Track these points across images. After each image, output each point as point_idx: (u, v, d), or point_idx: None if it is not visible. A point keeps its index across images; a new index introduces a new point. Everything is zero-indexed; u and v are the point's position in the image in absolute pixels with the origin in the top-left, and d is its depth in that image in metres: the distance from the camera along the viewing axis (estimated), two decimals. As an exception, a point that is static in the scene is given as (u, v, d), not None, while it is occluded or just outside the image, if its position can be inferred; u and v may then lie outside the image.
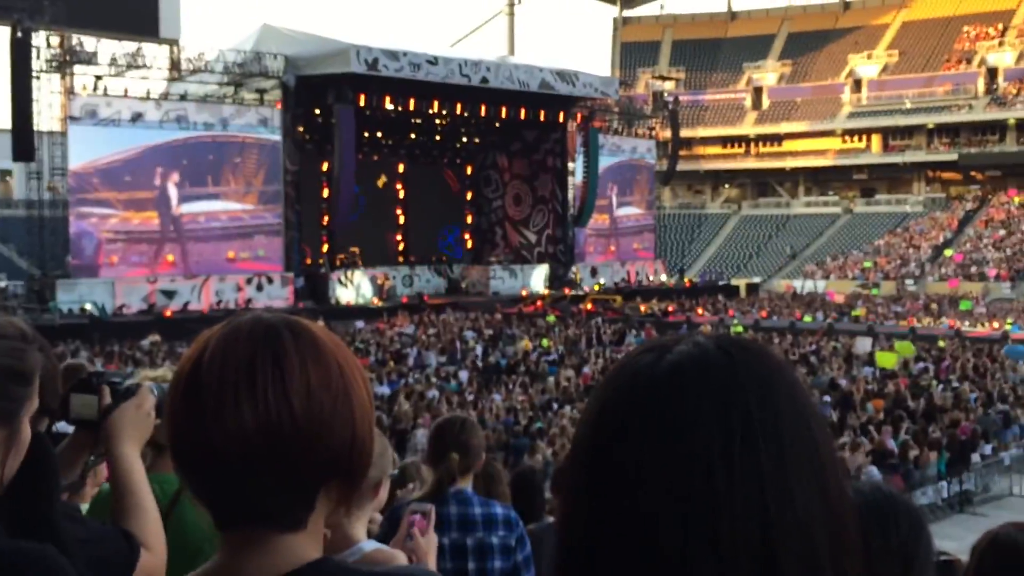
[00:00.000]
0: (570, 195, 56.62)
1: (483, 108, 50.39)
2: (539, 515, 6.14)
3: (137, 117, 41.27)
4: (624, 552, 1.01)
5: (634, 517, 1.00)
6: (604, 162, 57.84)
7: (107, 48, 40.51)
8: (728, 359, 1.06)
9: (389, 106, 47.31)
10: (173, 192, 42.55)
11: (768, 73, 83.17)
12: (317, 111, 46.03)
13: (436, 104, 48.39)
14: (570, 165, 56.23)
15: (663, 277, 62.29)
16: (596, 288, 54.74)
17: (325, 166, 47.27)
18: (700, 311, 48.66)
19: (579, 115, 55.97)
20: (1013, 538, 2.46)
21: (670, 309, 48.44)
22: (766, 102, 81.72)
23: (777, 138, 78.57)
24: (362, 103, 45.63)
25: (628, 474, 1.01)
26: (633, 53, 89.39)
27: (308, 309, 42.04)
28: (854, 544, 1.05)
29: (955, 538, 16.57)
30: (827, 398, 23.26)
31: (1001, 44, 73.91)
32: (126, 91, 41.27)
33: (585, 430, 1.08)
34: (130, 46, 41.55)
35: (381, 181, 55.42)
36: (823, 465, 1.04)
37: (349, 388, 1.31)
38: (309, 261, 47.07)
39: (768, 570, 0.99)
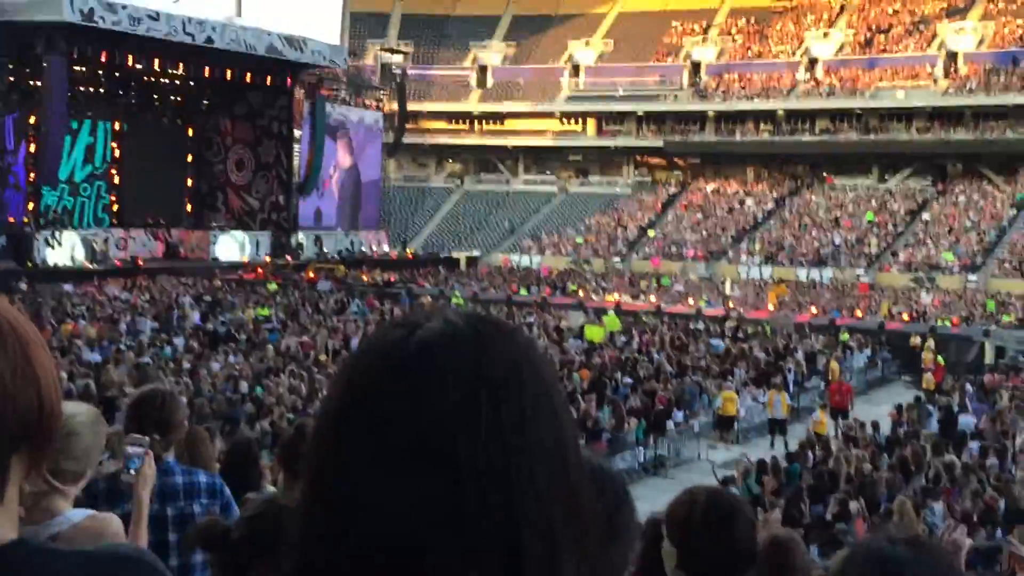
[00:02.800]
0: (295, 162, 55.56)
1: (207, 69, 48.47)
2: (255, 485, 6.07)
3: None
4: (368, 537, 0.99)
5: (380, 499, 0.99)
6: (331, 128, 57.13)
7: None
8: (477, 337, 1.05)
9: (105, 61, 44.57)
10: None
11: (493, 53, 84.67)
12: (24, 61, 42.72)
13: (157, 62, 46.06)
14: (296, 132, 55.13)
15: (386, 248, 62.36)
16: (320, 257, 54.12)
17: (32, 119, 43.98)
18: (422, 282, 49.07)
19: (306, 82, 54.93)
20: (720, 497, 2.73)
21: (392, 279, 48.59)
22: (490, 81, 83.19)
23: (500, 116, 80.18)
24: (76, 56, 42.77)
25: (375, 455, 1.00)
26: (362, 24, 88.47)
27: (10, 271, 39.14)
28: (592, 522, 1.08)
29: (648, 499, 17.64)
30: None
31: (704, 41, 78.75)
32: None
33: (331, 408, 1.05)
34: None
35: (100, 145, 52.24)
36: (565, 443, 1.06)
37: (27, 350, 1.17)
38: (12, 219, 43.77)
39: (511, 551, 1.00)
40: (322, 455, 1.04)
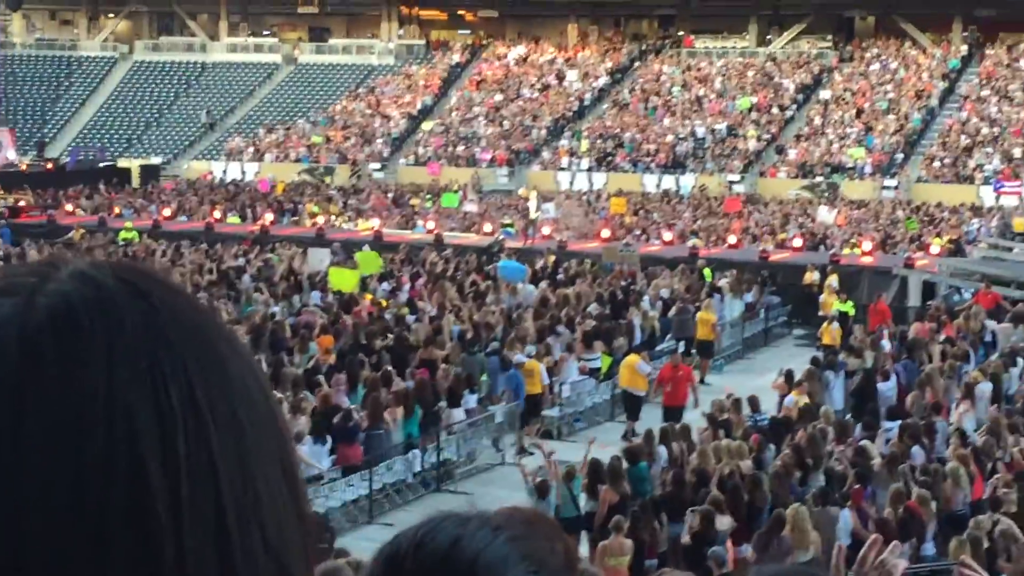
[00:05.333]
0: None
1: None
2: None
3: None
4: None
5: None
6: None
7: None
8: (143, 301, 1.00)
9: None
10: None
11: None
12: None
13: None
14: None
15: (12, 155, 60.33)
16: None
17: None
18: (69, 207, 47.78)
19: None
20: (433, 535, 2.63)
21: (22, 205, 47.25)
22: None
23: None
24: None
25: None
26: None
27: None
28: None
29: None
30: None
31: None
32: None
33: None
34: None
35: None
36: (289, 454, 1.06)
37: None
38: None
39: None
40: None
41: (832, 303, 31.64)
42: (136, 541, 0.94)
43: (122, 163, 62.30)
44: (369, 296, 30.24)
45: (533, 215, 42.95)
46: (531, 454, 21.65)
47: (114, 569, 0.93)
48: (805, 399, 21.40)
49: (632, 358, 24.86)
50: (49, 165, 59.94)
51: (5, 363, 0.95)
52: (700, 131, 61.65)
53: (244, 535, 0.98)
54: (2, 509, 0.93)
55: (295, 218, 47.61)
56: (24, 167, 58.78)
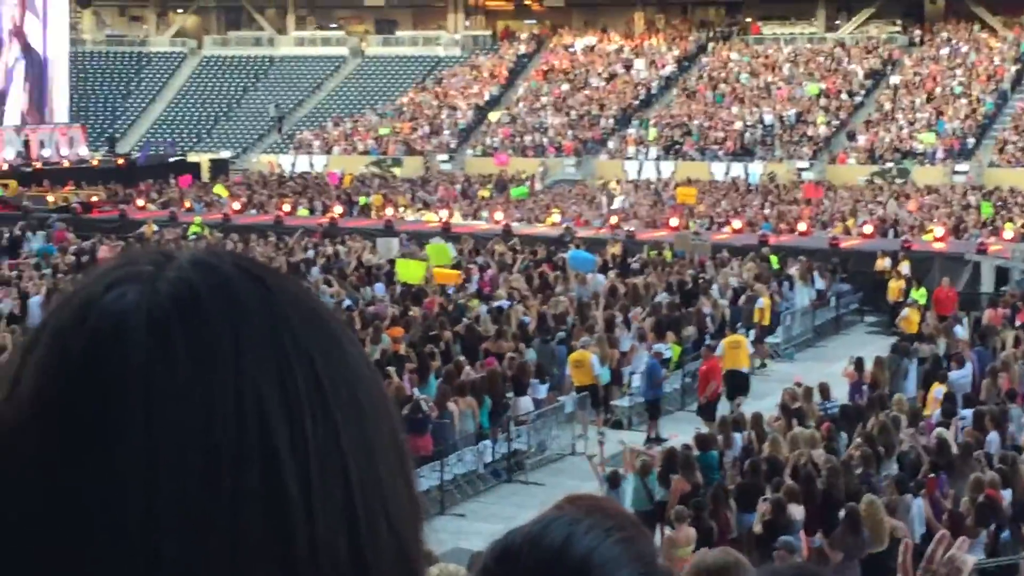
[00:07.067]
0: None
1: None
2: None
3: None
4: None
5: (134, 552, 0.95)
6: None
7: None
8: (262, 289, 1.02)
9: None
10: None
11: None
12: None
13: None
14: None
15: (83, 151, 60.79)
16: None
17: None
18: (141, 202, 48.11)
19: None
20: (541, 536, 2.66)
21: (94, 200, 47.56)
22: None
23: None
24: None
25: (118, 489, 0.95)
26: None
27: None
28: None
29: (504, 518, 17.88)
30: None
31: None
32: None
33: (25, 419, 0.98)
34: None
35: None
36: (400, 437, 1.10)
37: None
38: None
39: None
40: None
41: (898, 289, 31.46)
42: (270, 527, 0.96)
43: (192, 158, 62.73)
44: (456, 275, 30.37)
45: (610, 203, 42.90)
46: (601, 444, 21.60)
47: (249, 554, 0.96)
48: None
49: (741, 338, 25.22)
50: (120, 160, 60.44)
51: (135, 350, 0.96)
52: (768, 118, 61.29)
53: (370, 516, 1.01)
54: (136, 498, 0.94)
55: (363, 210, 47.79)
56: (95, 163, 59.36)
